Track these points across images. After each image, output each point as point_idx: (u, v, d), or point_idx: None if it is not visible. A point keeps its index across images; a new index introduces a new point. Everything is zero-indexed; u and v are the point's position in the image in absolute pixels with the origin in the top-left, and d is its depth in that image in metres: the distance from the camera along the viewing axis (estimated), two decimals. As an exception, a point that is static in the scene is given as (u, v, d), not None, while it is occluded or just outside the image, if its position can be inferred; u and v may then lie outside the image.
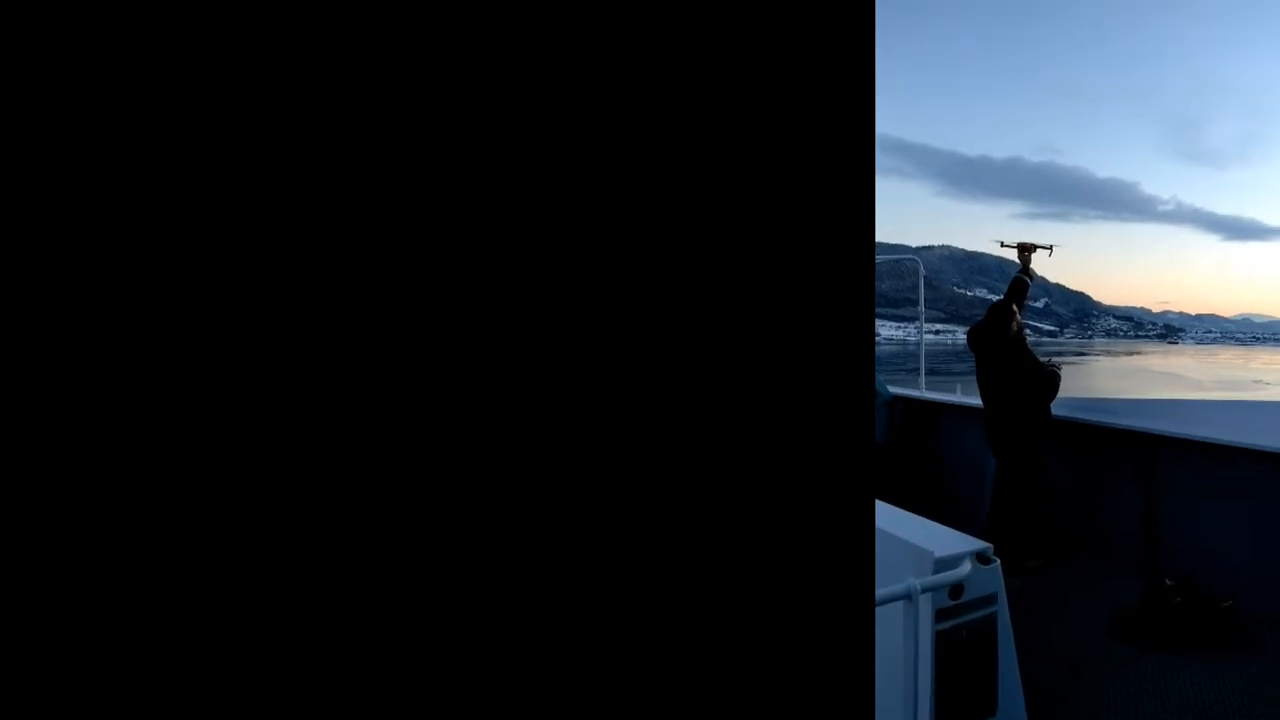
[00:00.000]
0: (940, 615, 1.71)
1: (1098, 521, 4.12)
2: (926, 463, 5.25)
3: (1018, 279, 4.08)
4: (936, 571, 1.68)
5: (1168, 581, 3.23)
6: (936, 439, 5.25)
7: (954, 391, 5.22)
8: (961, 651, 1.75)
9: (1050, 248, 4.21)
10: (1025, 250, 4.08)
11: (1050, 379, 3.98)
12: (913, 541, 1.79)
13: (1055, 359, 4.15)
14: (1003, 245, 4.22)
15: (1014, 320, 3.99)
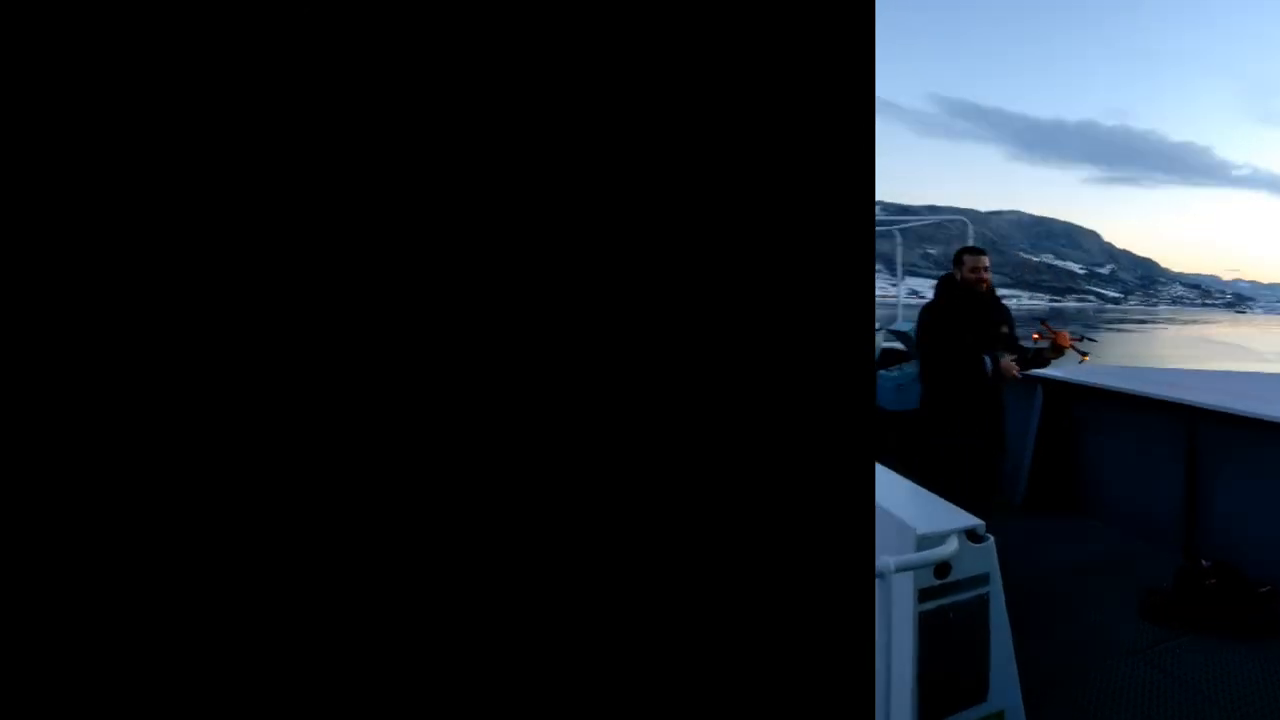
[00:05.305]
0: (924, 595, 1.51)
1: (1136, 496, 3.81)
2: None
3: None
4: (920, 548, 1.49)
5: (1204, 562, 2.95)
6: None
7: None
8: (948, 634, 1.55)
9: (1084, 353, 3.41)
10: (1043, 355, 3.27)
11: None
12: (898, 515, 1.59)
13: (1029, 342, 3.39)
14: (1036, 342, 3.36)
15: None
